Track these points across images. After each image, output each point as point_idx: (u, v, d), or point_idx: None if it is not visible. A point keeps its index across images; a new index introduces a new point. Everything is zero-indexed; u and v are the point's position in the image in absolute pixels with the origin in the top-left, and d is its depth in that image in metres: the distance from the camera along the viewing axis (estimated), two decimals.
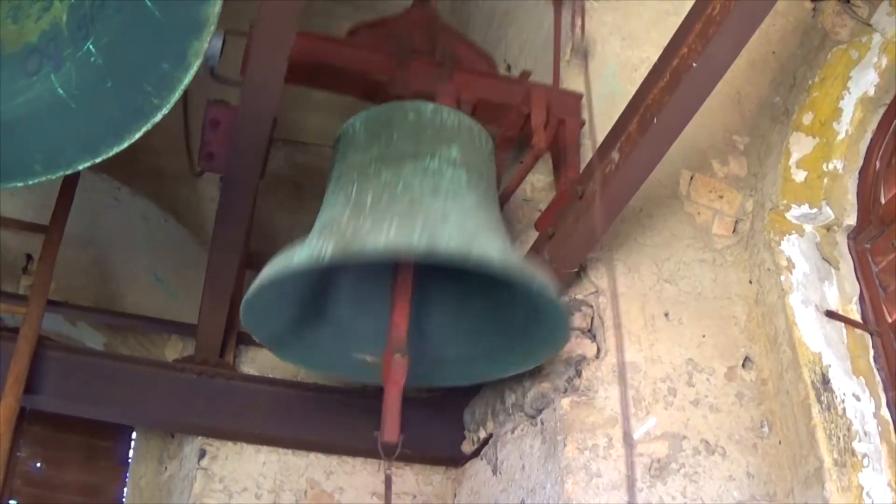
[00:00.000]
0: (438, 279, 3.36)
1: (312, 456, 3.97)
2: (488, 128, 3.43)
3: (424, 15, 3.72)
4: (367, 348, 3.40)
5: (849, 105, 3.68)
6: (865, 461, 3.19)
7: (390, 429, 3.03)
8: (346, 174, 3.11)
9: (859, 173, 3.70)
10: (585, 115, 3.58)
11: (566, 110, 3.59)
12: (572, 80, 3.72)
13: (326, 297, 3.40)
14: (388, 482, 3.09)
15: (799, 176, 3.66)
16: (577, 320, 3.34)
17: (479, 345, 3.39)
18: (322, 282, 3.33)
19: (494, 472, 3.66)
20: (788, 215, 3.63)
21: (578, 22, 3.52)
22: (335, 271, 3.31)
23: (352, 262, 2.88)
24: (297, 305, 3.30)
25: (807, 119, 3.68)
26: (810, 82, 3.69)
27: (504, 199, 3.48)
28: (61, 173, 2.49)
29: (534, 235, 3.47)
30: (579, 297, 3.39)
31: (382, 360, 3.06)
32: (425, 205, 2.85)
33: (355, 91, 3.53)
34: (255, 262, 3.93)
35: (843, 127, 3.68)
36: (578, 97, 3.61)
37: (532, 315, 3.10)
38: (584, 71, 3.28)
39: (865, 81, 3.67)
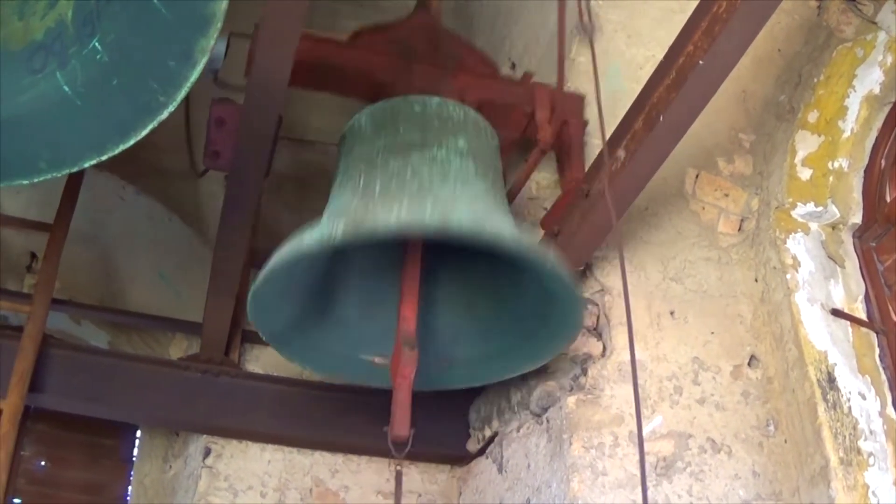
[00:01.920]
0: (446, 278, 3.36)
1: (318, 454, 3.97)
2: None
3: (426, 21, 3.69)
4: (374, 350, 3.38)
5: (854, 103, 3.67)
6: (871, 460, 3.19)
7: (400, 423, 2.95)
8: (352, 166, 3.08)
9: (864, 171, 3.69)
10: (588, 115, 3.60)
11: (569, 111, 3.58)
12: (576, 79, 3.71)
13: (334, 298, 3.38)
14: (398, 479, 3.02)
15: (804, 174, 3.66)
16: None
17: (489, 344, 3.35)
18: (329, 281, 3.32)
19: (500, 470, 3.65)
20: (794, 213, 3.63)
21: (584, 10, 3.46)
22: (342, 268, 3.30)
23: (363, 242, 2.79)
24: (303, 304, 3.27)
25: (812, 117, 3.68)
26: (816, 80, 3.69)
27: (510, 198, 3.47)
28: (67, 171, 2.48)
29: (539, 234, 3.46)
30: (585, 295, 3.39)
31: (391, 357, 3.02)
32: (435, 189, 2.82)
33: (359, 92, 3.52)
34: (259, 261, 3.93)
35: (849, 125, 3.68)
36: (581, 98, 3.60)
37: (543, 307, 3.07)
38: (591, 52, 3.25)
39: (871, 79, 3.67)
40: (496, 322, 3.31)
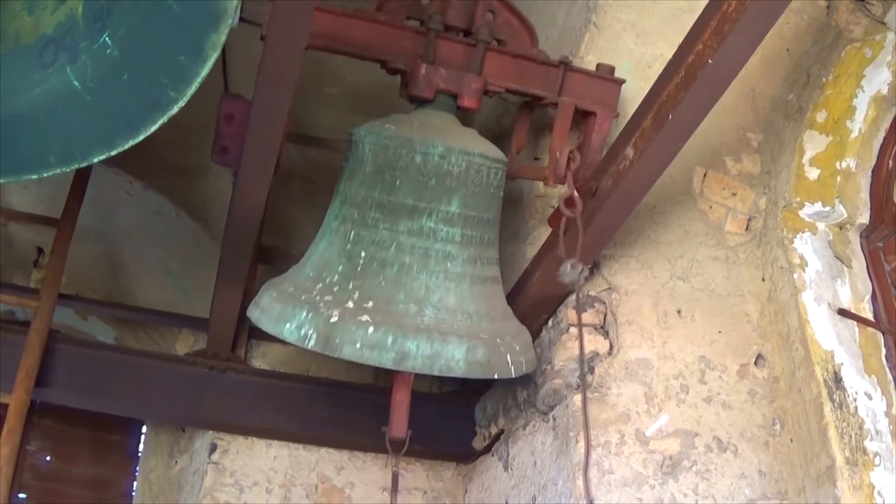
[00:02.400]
0: None
1: (323, 451, 3.98)
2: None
3: None
4: None
5: (862, 103, 3.67)
6: (877, 460, 3.19)
7: (398, 424, 3.08)
8: (347, 205, 3.18)
9: (872, 172, 3.69)
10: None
11: (600, 100, 3.39)
12: None
13: None
14: (394, 479, 3.12)
15: (812, 174, 3.66)
16: (590, 317, 3.34)
17: None
18: None
19: (506, 468, 3.66)
20: (801, 213, 3.63)
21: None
22: None
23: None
24: None
25: (820, 117, 3.67)
26: (824, 80, 3.68)
27: (510, 176, 3.39)
28: (76, 166, 2.47)
29: (546, 231, 3.46)
30: (592, 293, 3.39)
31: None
32: (411, 278, 3.06)
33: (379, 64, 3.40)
34: (267, 257, 3.94)
35: (857, 125, 3.67)
36: (618, 84, 3.43)
37: None
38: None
39: (879, 80, 3.66)
40: None
